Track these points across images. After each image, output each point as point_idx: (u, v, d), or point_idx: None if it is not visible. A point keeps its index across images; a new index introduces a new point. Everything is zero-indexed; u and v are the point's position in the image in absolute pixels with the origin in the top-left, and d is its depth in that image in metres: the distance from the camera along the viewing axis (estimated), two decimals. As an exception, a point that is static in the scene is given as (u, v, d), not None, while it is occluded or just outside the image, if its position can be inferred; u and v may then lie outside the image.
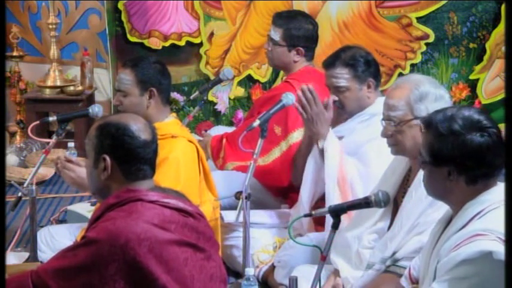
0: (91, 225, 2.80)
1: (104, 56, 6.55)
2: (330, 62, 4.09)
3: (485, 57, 5.84)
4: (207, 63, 6.25)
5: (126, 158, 2.81)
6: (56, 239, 4.21)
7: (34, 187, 3.94)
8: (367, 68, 4.06)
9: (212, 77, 6.09)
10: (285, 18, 4.73)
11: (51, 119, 4.21)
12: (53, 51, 6.38)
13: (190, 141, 3.96)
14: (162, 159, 3.67)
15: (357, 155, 3.98)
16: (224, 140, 4.92)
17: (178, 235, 2.75)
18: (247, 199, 3.69)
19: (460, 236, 2.64)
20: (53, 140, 4.03)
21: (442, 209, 3.01)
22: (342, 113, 4.08)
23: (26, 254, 4.18)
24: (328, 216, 3.32)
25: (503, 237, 2.53)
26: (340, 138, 4.06)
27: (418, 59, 5.95)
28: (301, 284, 3.18)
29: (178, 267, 2.72)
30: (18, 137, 6.49)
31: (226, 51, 6.22)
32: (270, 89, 5.82)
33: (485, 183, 2.69)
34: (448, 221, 2.79)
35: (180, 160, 3.84)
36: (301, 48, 4.66)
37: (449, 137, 2.67)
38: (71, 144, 4.45)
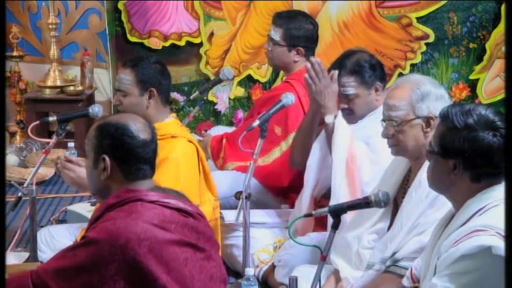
0: (91, 225, 2.80)
1: (104, 56, 6.55)
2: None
3: (485, 57, 5.84)
4: (207, 63, 6.25)
5: (126, 157, 2.81)
6: (56, 239, 4.21)
7: (34, 187, 3.94)
8: (373, 72, 4.04)
9: (212, 77, 6.09)
10: (285, 18, 4.73)
11: (51, 119, 4.21)
12: (53, 51, 6.38)
13: (190, 141, 3.96)
14: (162, 159, 3.67)
15: (366, 144, 3.95)
16: (224, 140, 4.92)
17: (178, 235, 2.75)
18: (247, 199, 3.69)
19: (460, 232, 2.64)
20: (53, 140, 4.03)
21: (442, 209, 3.02)
22: (352, 118, 4.04)
23: (26, 254, 4.18)
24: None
25: (502, 233, 2.53)
26: None
27: (418, 59, 5.95)
28: (301, 284, 3.18)
29: (178, 267, 2.72)
30: (18, 137, 6.50)
31: (226, 51, 6.22)
32: (270, 89, 5.82)
33: (489, 182, 2.69)
34: (449, 220, 2.79)
35: (180, 160, 3.84)
36: (301, 48, 4.66)
37: (463, 131, 2.68)
38: (71, 144, 4.45)
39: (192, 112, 5.54)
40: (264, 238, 4.27)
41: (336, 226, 2.96)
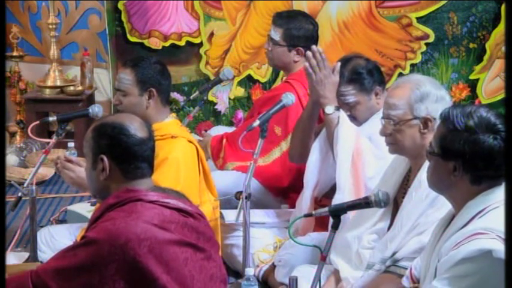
0: (91, 225, 2.80)
1: (104, 56, 6.55)
2: None
3: (485, 57, 5.84)
4: (207, 63, 6.25)
5: (124, 156, 2.81)
6: (56, 239, 4.21)
7: (34, 187, 3.94)
8: (371, 77, 4.02)
9: (212, 77, 6.09)
10: (285, 18, 4.73)
11: (51, 119, 4.21)
12: (53, 51, 6.38)
13: (190, 142, 3.96)
14: (161, 159, 3.67)
15: (370, 140, 3.94)
16: (224, 140, 4.92)
17: (178, 235, 2.75)
18: (247, 199, 3.69)
19: (460, 234, 2.64)
20: (53, 140, 4.03)
21: (442, 209, 3.01)
22: (355, 123, 4.00)
23: (26, 254, 4.18)
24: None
25: (503, 236, 2.53)
26: None
27: (418, 59, 5.95)
28: (301, 284, 3.18)
29: (178, 267, 2.72)
30: (18, 137, 6.49)
31: (226, 51, 6.22)
32: (270, 89, 5.82)
33: (489, 184, 2.69)
34: (449, 220, 2.79)
35: (179, 160, 3.84)
36: (301, 48, 4.66)
37: (463, 133, 2.67)
38: (71, 144, 4.46)
39: (192, 112, 5.54)
40: (264, 238, 4.27)
41: (336, 226, 2.96)
